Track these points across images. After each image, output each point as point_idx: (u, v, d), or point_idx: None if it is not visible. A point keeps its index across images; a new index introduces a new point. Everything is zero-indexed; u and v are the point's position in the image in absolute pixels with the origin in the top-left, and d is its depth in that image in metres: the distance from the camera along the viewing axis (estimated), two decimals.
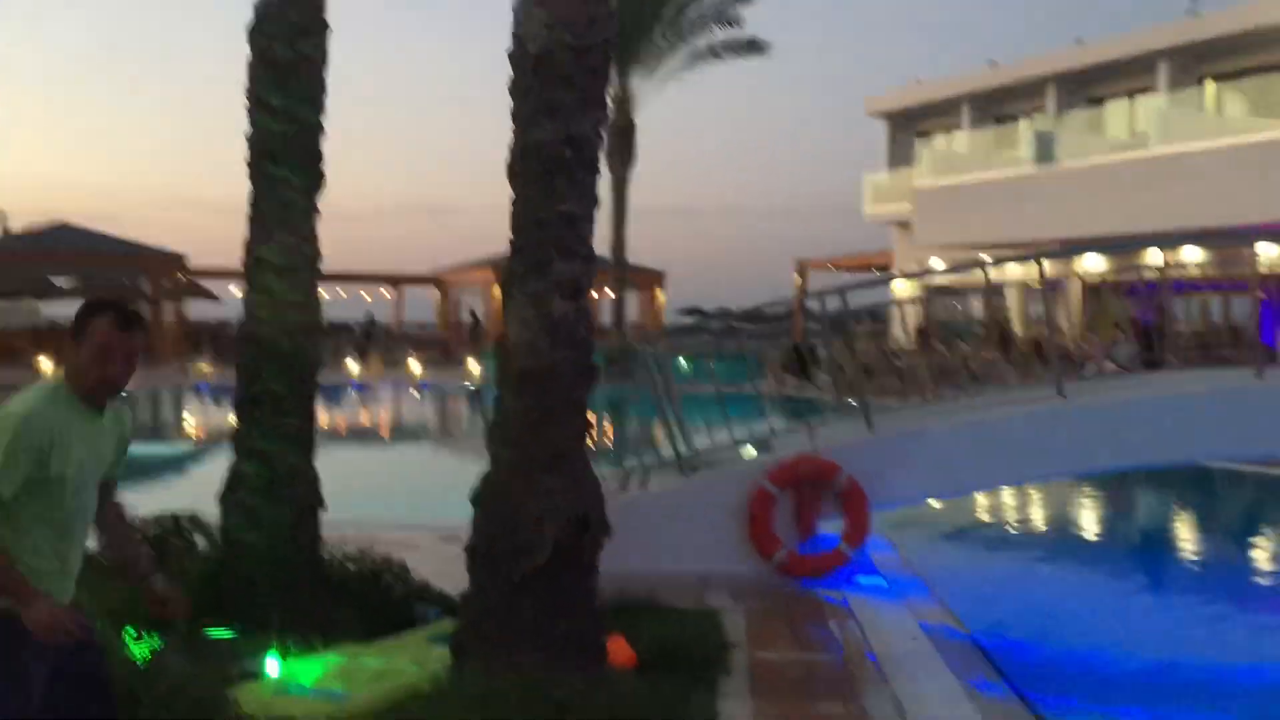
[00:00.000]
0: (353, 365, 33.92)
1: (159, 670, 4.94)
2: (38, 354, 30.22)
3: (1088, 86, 29.90)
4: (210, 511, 6.66)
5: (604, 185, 24.51)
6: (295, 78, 6.23)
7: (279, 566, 6.08)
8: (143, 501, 6.66)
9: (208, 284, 39.54)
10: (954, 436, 7.81)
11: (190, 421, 23.30)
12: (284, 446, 6.21)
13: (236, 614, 6.00)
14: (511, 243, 5.18)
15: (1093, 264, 26.16)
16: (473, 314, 44.28)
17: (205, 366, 31.49)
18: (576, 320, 5.10)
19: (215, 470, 16.58)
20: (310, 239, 6.35)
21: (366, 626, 6.13)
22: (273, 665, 5.32)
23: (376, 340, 40.09)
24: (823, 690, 5.38)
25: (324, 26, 6.32)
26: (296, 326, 6.25)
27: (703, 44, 29.49)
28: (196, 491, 7.81)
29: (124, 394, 3.51)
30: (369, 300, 50.47)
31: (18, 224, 39.88)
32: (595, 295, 44.93)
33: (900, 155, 35.10)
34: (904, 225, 32.53)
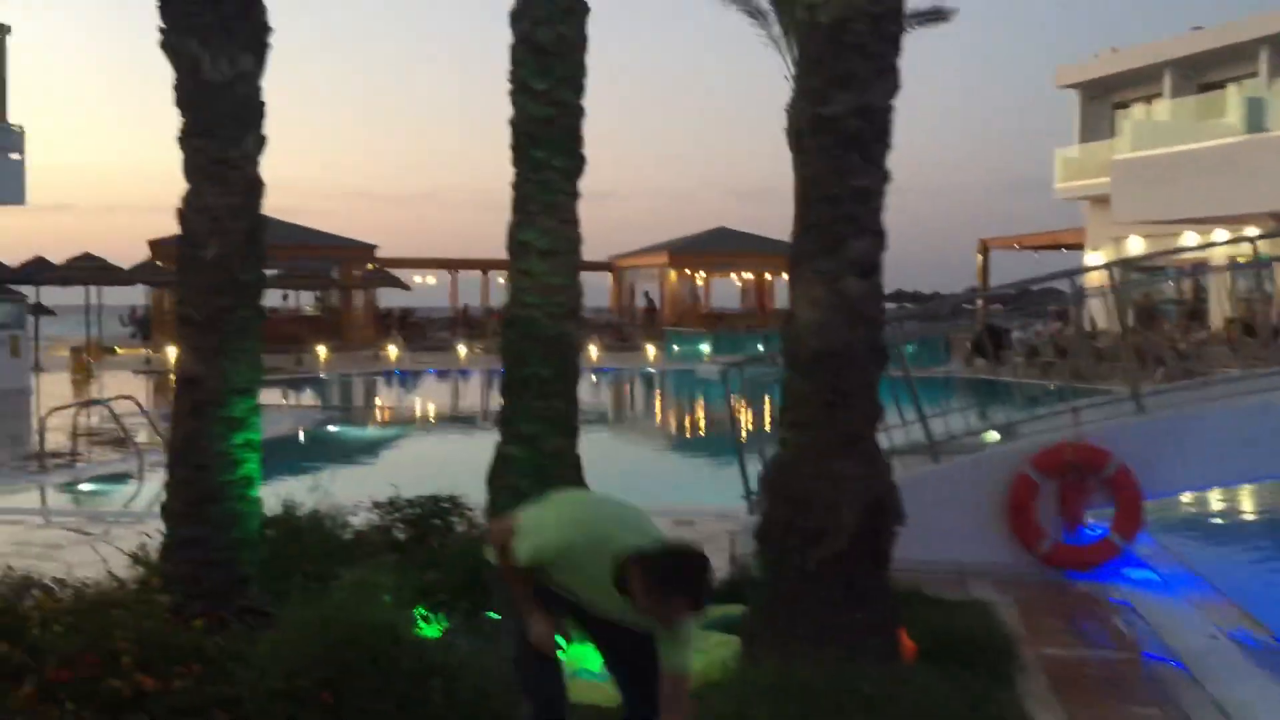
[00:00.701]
0: None
1: (449, 649, 4.99)
2: None
3: None
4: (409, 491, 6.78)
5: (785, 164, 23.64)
6: (557, 60, 6.20)
7: None
8: (343, 481, 6.80)
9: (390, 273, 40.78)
10: (1238, 419, 7.28)
11: (384, 405, 24.02)
12: (549, 429, 6.22)
13: (502, 594, 6.05)
14: (799, 220, 5.02)
15: None
16: (648, 298, 44.49)
17: (394, 352, 32.50)
18: (869, 299, 4.91)
19: (411, 451, 16.91)
20: (572, 222, 6.33)
21: None
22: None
23: None
24: (1131, 692, 5.06)
25: (585, 8, 6.27)
26: (561, 310, 6.24)
27: None
28: (396, 473, 7.84)
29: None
30: None
31: None
32: (770, 278, 44.22)
33: (1093, 128, 33.49)
34: (1097, 201, 31.03)
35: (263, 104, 5.50)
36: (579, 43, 6.29)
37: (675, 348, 35.06)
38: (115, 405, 13.81)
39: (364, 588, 5.07)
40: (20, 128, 21.75)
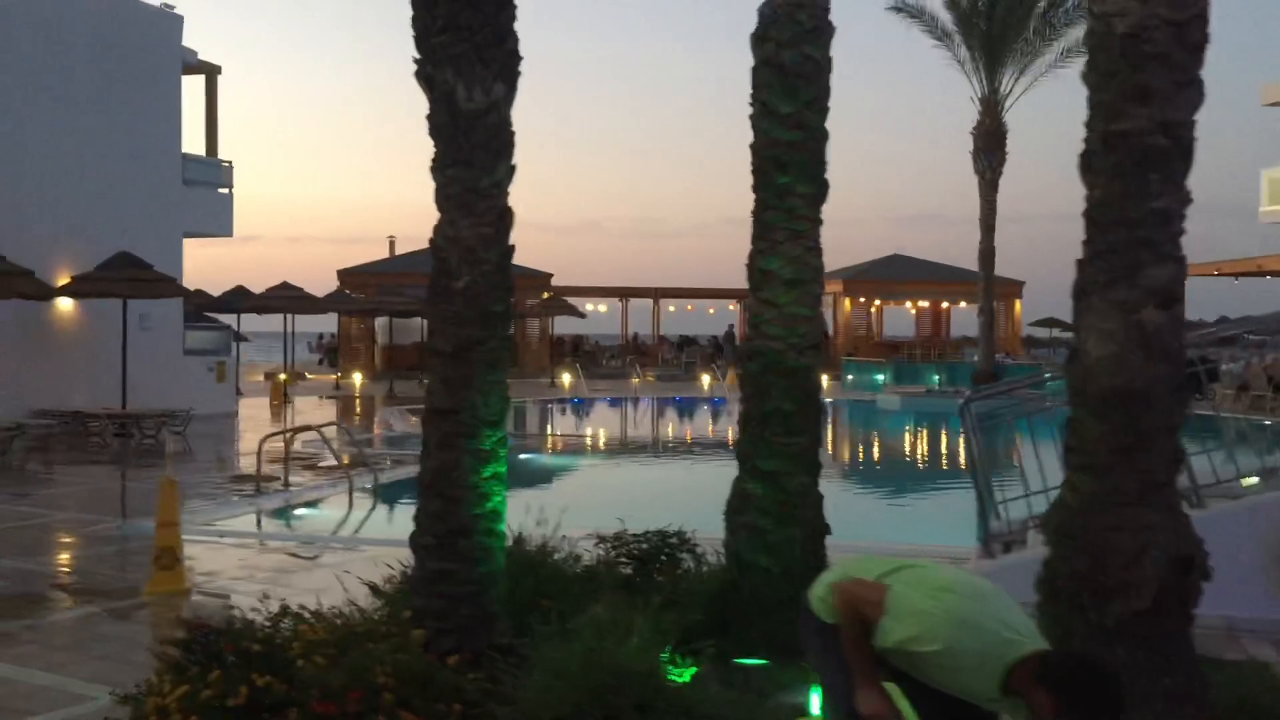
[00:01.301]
0: (705, 380, 34.37)
1: (702, 698, 4.77)
2: (422, 367, 32.72)
3: None
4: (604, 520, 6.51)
5: (972, 190, 22.90)
6: (803, 82, 5.98)
7: (790, 591, 5.81)
8: (546, 511, 6.58)
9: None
10: None
11: (570, 432, 24.13)
12: (792, 466, 5.95)
13: (743, 637, 5.81)
14: (1087, 245, 4.63)
15: None
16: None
17: (568, 379, 32.79)
18: (1170, 332, 4.49)
19: (606, 480, 16.78)
20: (816, 251, 6.07)
21: None
22: (815, 700, 5.03)
23: (729, 355, 40.42)
24: None
25: (830, 29, 6.04)
26: (804, 342, 5.99)
27: (1077, 35, 27.60)
28: (595, 502, 7.53)
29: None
30: (711, 314, 51.40)
31: (403, 248, 43.46)
32: (946, 305, 43.07)
33: None
34: None
35: (513, 133, 5.45)
36: (824, 64, 6.06)
37: (850, 377, 34.35)
38: (302, 433, 14.19)
39: (618, 628, 4.90)
40: (229, 163, 22.89)
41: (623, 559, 6.68)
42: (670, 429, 26.28)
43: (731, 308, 48.54)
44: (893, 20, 28.10)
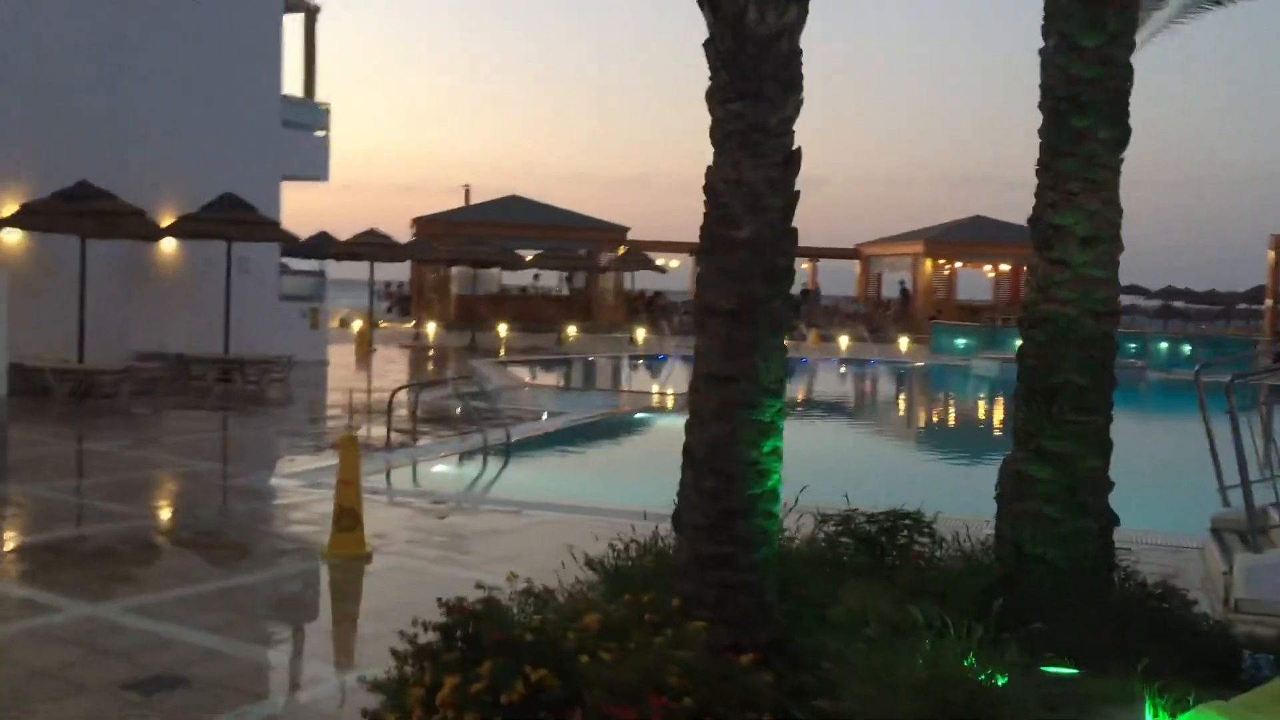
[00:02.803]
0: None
1: (1041, 713, 4.18)
2: (497, 318, 32.28)
3: None
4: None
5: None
6: (1110, 11, 5.27)
7: (1083, 589, 5.19)
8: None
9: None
10: None
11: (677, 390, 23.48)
12: (1084, 448, 5.30)
13: (1022, 639, 5.20)
14: None
15: None
16: (903, 287, 42.85)
17: (641, 334, 32.16)
18: None
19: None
20: (1115, 205, 5.39)
21: (1151, 664, 5.12)
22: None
23: (808, 315, 39.59)
24: None
25: None
26: (1103, 307, 5.32)
27: None
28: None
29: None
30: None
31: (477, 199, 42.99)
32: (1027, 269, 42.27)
33: None
34: None
35: (802, 63, 4.79)
36: None
37: (956, 341, 32.96)
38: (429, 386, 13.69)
39: (930, 630, 4.32)
40: (327, 105, 22.35)
41: (844, 539, 6.09)
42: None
43: (804, 266, 47.60)
44: None
